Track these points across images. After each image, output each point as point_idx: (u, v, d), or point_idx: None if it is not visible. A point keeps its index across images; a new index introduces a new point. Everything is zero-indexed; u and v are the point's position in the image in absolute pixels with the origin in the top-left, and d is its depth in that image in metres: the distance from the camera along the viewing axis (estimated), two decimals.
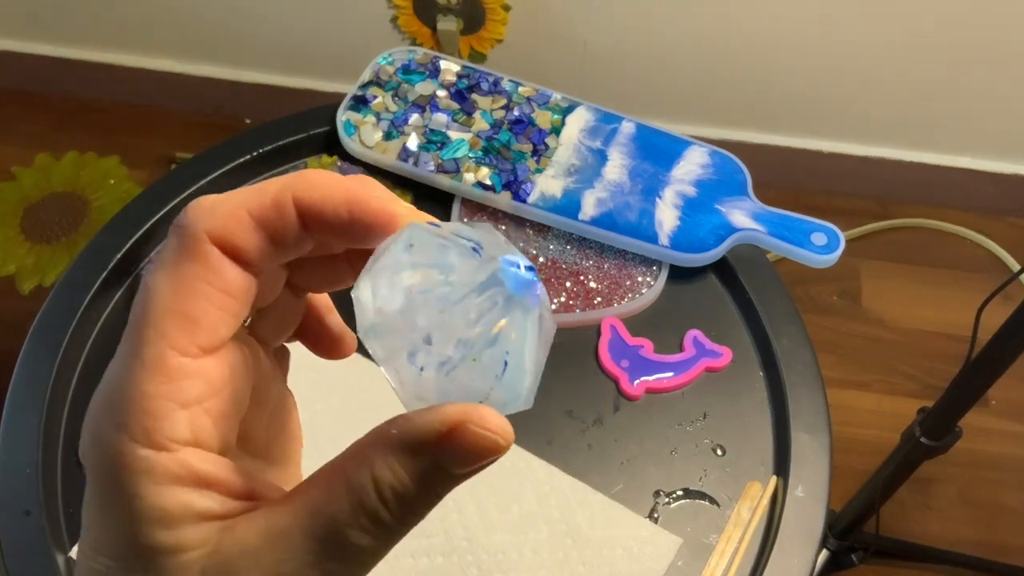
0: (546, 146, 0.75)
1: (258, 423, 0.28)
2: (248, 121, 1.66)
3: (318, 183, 0.24)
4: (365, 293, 0.23)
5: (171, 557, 0.22)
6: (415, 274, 0.22)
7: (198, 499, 0.22)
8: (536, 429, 0.63)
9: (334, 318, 0.30)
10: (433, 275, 0.22)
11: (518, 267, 0.22)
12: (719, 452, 0.64)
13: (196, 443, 0.23)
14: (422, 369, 0.23)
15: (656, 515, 0.61)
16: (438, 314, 0.22)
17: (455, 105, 0.77)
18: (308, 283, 0.28)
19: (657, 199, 0.72)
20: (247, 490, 0.23)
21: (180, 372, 0.22)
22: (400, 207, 0.25)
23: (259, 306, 0.27)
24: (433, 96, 0.77)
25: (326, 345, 0.30)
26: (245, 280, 0.24)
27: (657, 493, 0.62)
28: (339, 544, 0.22)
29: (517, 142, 0.75)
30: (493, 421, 0.22)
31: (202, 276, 0.23)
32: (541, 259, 0.72)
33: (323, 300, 0.30)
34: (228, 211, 0.24)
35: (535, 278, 0.22)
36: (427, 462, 0.22)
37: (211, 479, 0.23)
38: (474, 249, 0.22)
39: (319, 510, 0.22)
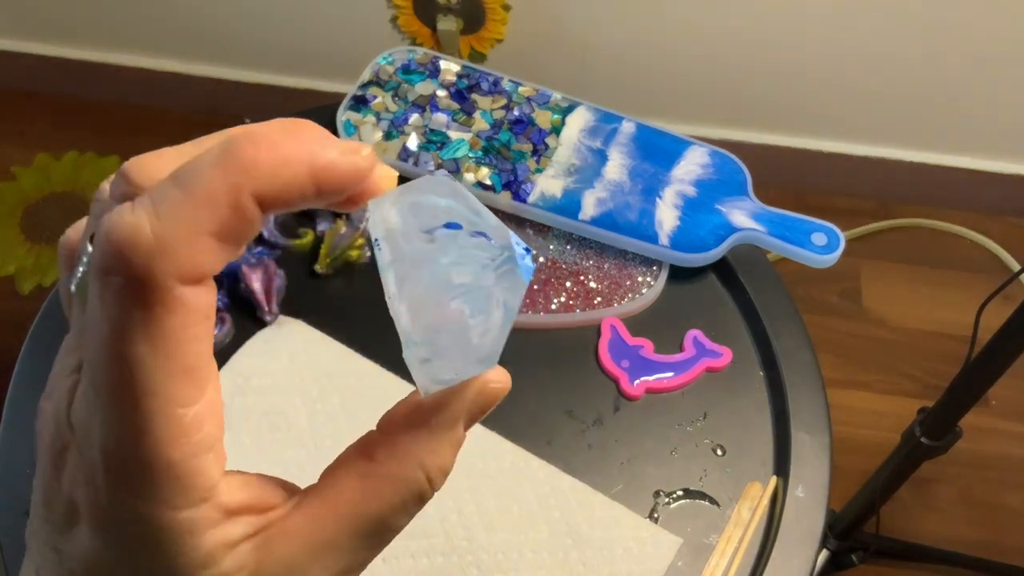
0: (546, 146, 0.75)
1: None
2: (248, 121, 1.64)
3: (278, 171, 0.21)
4: (402, 309, 0.23)
5: None
6: (449, 278, 0.23)
7: (232, 529, 0.23)
8: (536, 429, 0.63)
9: None
10: (464, 276, 0.23)
11: (523, 254, 0.24)
12: (719, 452, 0.64)
13: (220, 475, 0.23)
14: (452, 366, 0.24)
15: (656, 515, 0.61)
16: (467, 316, 0.23)
17: (455, 105, 0.77)
18: None
19: (657, 199, 0.72)
20: (265, 500, 0.24)
21: (196, 423, 0.21)
22: (362, 160, 0.22)
23: None
24: (433, 96, 0.77)
25: None
26: (213, 292, 0.22)
27: (657, 493, 0.62)
28: (388, 532, 0.24)
29: (517, 142, 0.75)
30: (501, 377, 0.26)
31: (185, 324, 0.21)
32: (541, 259, 0.72)
33: None
34: (185, 239, 0.20)
35: (530, 257, 0.24)
36: (461, 432, 0.25)
37: (239, 507, 0.23)
38: (488, 240, 0.23)
39: (366, 513, 0.24)
